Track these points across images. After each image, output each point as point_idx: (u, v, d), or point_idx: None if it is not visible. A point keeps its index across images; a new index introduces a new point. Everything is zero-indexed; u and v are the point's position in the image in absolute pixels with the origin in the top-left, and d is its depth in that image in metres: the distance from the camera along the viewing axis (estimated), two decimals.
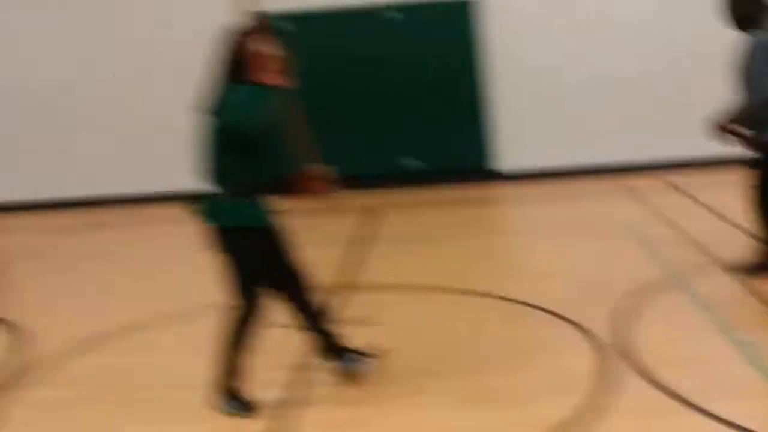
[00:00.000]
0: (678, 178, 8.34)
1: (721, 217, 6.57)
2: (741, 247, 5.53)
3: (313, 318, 3.78)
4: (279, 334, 4.09)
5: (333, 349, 3.84)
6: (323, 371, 3.90)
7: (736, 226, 6.12)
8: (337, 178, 3.69)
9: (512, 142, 9.00)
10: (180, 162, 5.22)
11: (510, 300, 5.01)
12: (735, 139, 4.90)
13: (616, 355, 4.00)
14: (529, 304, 4.89)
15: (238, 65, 3.45)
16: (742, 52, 4.80)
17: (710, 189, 7.64)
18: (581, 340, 4.25)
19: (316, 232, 6.79)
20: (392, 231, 7.17)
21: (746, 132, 4.84)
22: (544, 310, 4.76)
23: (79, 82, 9.14)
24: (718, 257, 5.46)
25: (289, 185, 3.62)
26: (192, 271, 5.66)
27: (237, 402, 3.66)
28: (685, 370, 3.74)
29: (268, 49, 3.45)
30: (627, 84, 8.80)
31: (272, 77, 3.44)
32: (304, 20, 8.85)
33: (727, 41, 5.04)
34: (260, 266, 3.61)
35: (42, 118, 9.27)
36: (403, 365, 4.00)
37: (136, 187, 9.23)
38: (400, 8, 8.98)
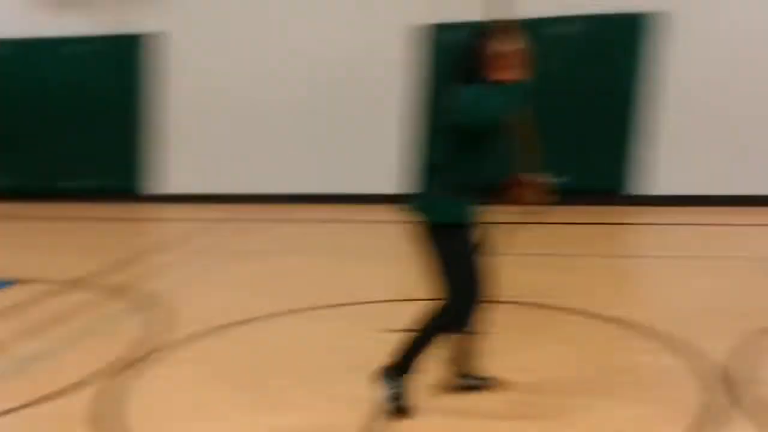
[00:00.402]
0: None
1: None
2: None
3: (464, 330, 3.77)
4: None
5: (463, 365, 3.89)
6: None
7: None
8: (554, 189, 3.60)
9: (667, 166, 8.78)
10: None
11: (638, 326, 4.89)
12: None
13: (733, 390, 3.83)
14: (656, 331, 4.73)
15: (475, 66, 3.43)
16: None
17: None
18: (690, 370, 4.11)
19: None
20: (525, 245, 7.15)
21: None
22: (667, 336, 4.62)
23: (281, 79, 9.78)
24: None
25: (503, 190, 3.61)
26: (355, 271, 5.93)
27: (397, 385, 3.65)
28: None
29: (508, 47, 3.39)
30: None
31: (511, 73, 3.40)
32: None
33: None
34: (461, 264, 3.56)
35: (243, 115, 9.99)
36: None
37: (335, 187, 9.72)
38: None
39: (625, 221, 8.40)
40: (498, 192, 3.59)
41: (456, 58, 3.53)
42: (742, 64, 8.41)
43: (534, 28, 8.42)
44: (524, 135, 3.50)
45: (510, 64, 3.37)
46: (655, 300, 5.55)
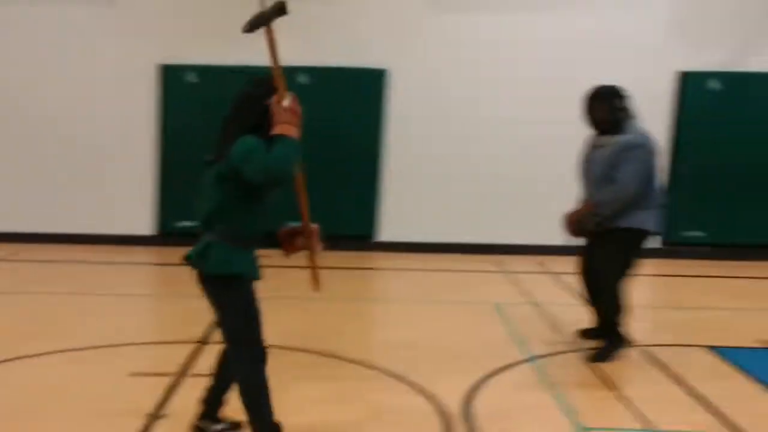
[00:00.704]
0: (548, 260, 8.84)
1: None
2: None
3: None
4: None
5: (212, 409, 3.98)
6: None
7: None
8: (325, 236, 3.75)
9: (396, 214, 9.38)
10: None
11: (366, 366, 5.19)
12: (584, 232, 5.39)
13: (462, 427, 4.21)
14: (385, 371, 5.05)
15: (258, 117, 3.48)
16: (606, 151, 5.25)
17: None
18: (432, 411, 4.43)
19: None
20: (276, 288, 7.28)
21: (592, 224, 5.30)
22: (398, 377, 4.93)
23: None
24: (573, 340, 5.84)
25: (282, 238, 3.73)
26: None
27: None
28: None
29: (291, 101, 3.44)
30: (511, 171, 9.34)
31: (295, 127, 3.41)
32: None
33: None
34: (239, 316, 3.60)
35: None
36: None
37: None
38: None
39: (371, 266, 8.86)
40: (274, 240, 3.73)
41: (236, 106, 3.57)
42: (452, 118, 9.31)
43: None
44: (298, 185, 3.61)
45: (293, 118, 3.42)
46: (397, 342, 5.90)
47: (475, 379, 4.92)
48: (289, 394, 4.64)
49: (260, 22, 3.70)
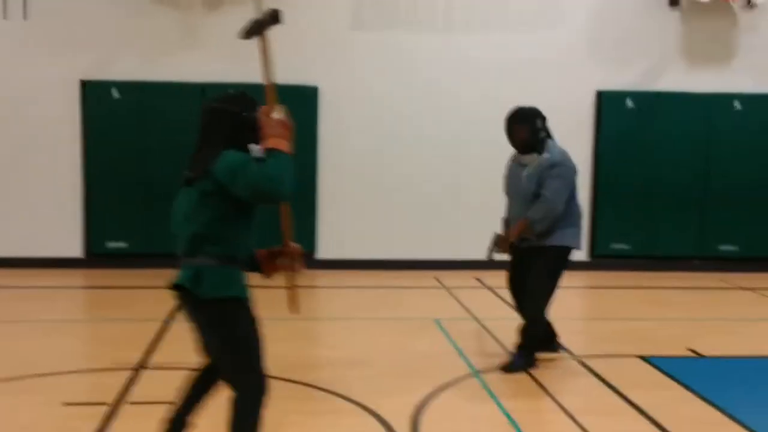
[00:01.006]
0: (484, 275, 8.96)
1: None
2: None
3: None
4: None
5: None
6: None
7: None
8: (304, 255, 3.68)
9: (333, 232, 9.37)
10: None
11: (312, 386, 5.16)
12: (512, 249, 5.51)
13: None
14: (330, 392, 5.03)
15: (234, 130, 3.40)
16: (531, 170, 5.41)
17: None
18: (379, 429, 4.43)
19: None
20: None
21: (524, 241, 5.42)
22: (344, 398, 4.91)
23: None
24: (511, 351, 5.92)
25: (261, 260, 3.61)
26: None
27: None
28: None
29: (281, 114, 3.32)
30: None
31: (282, 143, 3.23)
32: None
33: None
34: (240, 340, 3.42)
35: None
36: None
37: None
38: None
39: (311, 284, 8.80)
40: (252, 262, 3.59)
41: (209, 121, 3.45)
42: (383, 135, 9.38)
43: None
44: (282, 204, 3.51)
45: (285, 132, 3.26)
46: (341, 361, 5.88)
47: (421, 396, 4.94)
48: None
49: (255, 29, 3.74)
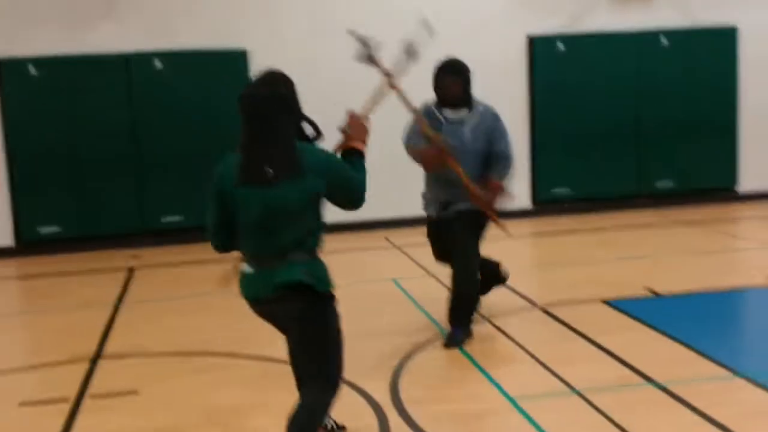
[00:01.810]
0: None
1: None
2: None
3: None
4: None
5: None
6: None
7: None
8: None
9: None
10: None
11: (281, 362, 5.00)
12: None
13: (394, 412, 4.13)
14: None
15: (298, 119, 3.37)
16: (471, 125, 5.12)
17: None
18: (363, 404, 4.32)
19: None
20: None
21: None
22: None
23: None
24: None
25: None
26: None
27: None
28: (459, 426, 3.99)
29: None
30: None
31: (365, 149, 3.52)
32: None
33: None
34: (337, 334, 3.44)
35: None
36: None
37: None
38: None
39: None
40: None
41: (284, 109, 3.29)
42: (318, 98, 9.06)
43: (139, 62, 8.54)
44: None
45: (366, 137, 3.54)
46: None
47: (395, 362, 4.86)
48: (212, 401, 4.41)
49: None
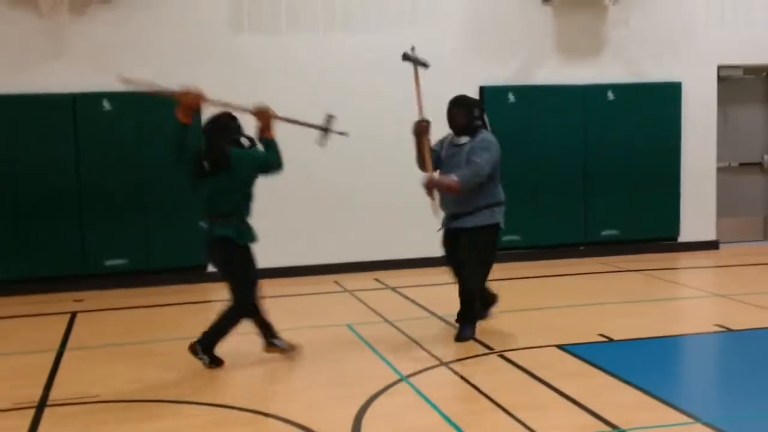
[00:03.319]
0: (383, 275, 8.92)
1: (426, 309, 7.16)
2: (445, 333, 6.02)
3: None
4: None
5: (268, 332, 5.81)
6: None
7: (435, 315, 6.67)
8: None
9: None
10: None
11: (234, 408, 4.87)
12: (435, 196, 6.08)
13: None
14: (258, 412, 4.77)
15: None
16: (466, 147, 6.05)
17: (414, 285, 8.32)
18: None
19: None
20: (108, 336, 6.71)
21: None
22: (279, 418, 4.67)
23: None
24: (433, 353, 5.85)
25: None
26: None
27: (208, 357, 5.58)
28: None
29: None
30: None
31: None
32: None
33: None
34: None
35: None
36: None
37: None
38: None
39: (207, 299, 8.38)
40: None
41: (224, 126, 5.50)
42: None
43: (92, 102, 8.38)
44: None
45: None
46: (258, 378, 5.59)
47: (356, 407, 4.76)
48: None
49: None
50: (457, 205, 6.06)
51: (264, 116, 5.51)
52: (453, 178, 5.93)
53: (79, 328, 6.95)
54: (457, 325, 6.31)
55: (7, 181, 8.38)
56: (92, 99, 8.55)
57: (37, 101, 8.44)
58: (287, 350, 5.78)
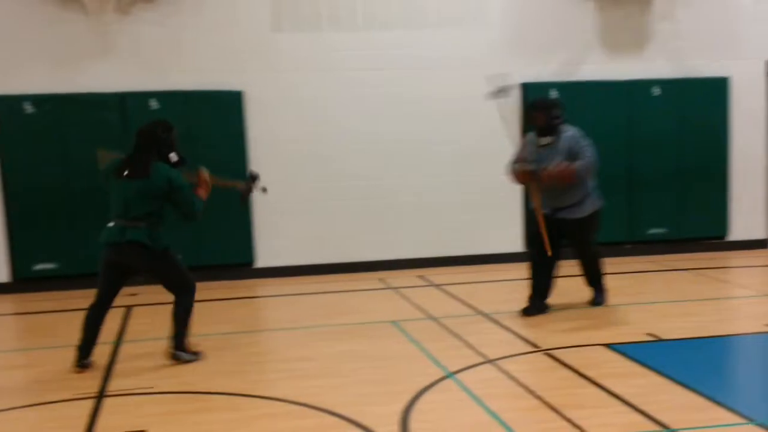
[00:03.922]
0: (427, 272, 8.92)
1: (471, 306, 7.17)
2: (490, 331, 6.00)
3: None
4: None
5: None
6: None
7: (482, 313, 6.67)
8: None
9: (271, 239, 9.10)
10: None
11: (285, 401, 4.93)
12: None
13: None
14: (308, 405, 4.82)
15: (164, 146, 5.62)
16: (557, 146, 6.62)
17: (458, 282, 8.31)
18: None
19: None
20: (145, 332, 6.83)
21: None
22: (328, 412, 4.73)
23: None
24: (480, 350, 5.86)
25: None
26: None
27: (189, 354, 5.80)
28: None
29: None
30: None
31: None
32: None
33: None
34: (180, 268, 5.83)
35: None
36: None
37: None
38: None
39: (254, 294, 8.49)
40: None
41: (154, 139, 5.62)
42: (313, 138, 9.17)
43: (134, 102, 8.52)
44: None
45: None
46: (306, 373, 5.62)
47: (403, 403, 4.79)
48: None
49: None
50: (564, 198, 6.68)
51: (202, 180, 5.81)
52: (571, 166, 6.50)
53: (133, 321, 7.09)
54: (522, 313, 6.88)
55: (63, 179, 8.57)
56: (140, 98, 8.70)
57: (85, 100, 8.61)
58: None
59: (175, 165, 5.62)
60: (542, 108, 6.69)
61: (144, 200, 5.48)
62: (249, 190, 6.07)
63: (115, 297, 5.77)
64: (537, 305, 6.91)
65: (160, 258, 5.57)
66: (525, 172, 6.69)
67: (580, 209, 6.73)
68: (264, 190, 6.15)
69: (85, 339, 5.67)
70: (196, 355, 5.83)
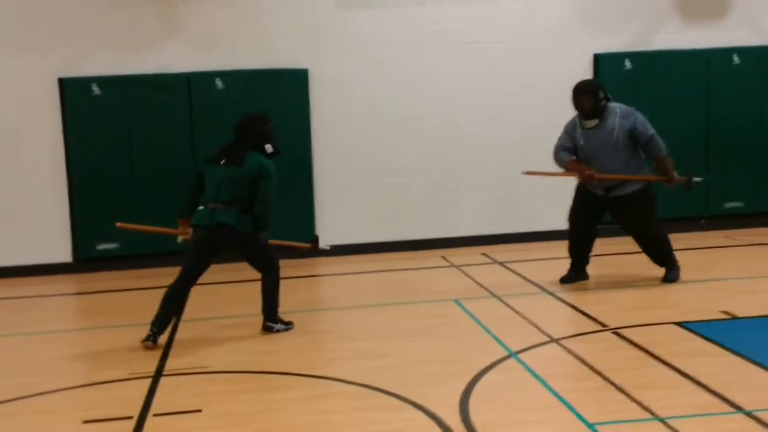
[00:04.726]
0: (490, 250, 8.75)
1: (535, 284, 7.01)
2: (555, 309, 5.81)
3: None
4: None
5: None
6: None
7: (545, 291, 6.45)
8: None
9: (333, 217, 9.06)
10: None
11: (344, 381, 4.87)
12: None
13: None
14: (367, 386, 4.75)
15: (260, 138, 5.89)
16: (608, 127, 6.60)
17: (522, 260, 8.13)
18: (429, 424, 4.16)
19: None
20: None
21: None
22: (387, 392, 4.64)
23: None
24: (544, 330, 5.69)
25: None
26: None
27: (281, 323, 6.01)
28: None
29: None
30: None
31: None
32: None
33: None
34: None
35: None
36: None
37: None
38: None
39: (317, 273, 8.47)
40: None
41: (251, 129, 5.91)
42: (377, 116, 9.01)
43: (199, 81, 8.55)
44: None
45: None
46: (367, 352, 5.53)
47: (463, 383, 4.68)
48: (275, 421, 4.28)
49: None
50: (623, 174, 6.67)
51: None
52: (667, 159, 6.75)
53: (190, 302, 7.12)
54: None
55: (127, 160, 8.68)
56: (205, 78, 8.73)
57: (151, 81, 8.68)
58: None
59: (270, 156, 5.87)
60: (589, 91, 6.63)
61: (234, 185, 5.71)
62: (312, 250, 7.08)
63: (199, 277, 5.92)
64: (574, 276, 7.06)
65: (245, 239, 5.77)
66: (585, 175, 6.66)
67: (632, 183, 6.68)
68: (328, 248, 7.20)
69: (160, 316, 5.75)
70: (288, 325, 6.00)
